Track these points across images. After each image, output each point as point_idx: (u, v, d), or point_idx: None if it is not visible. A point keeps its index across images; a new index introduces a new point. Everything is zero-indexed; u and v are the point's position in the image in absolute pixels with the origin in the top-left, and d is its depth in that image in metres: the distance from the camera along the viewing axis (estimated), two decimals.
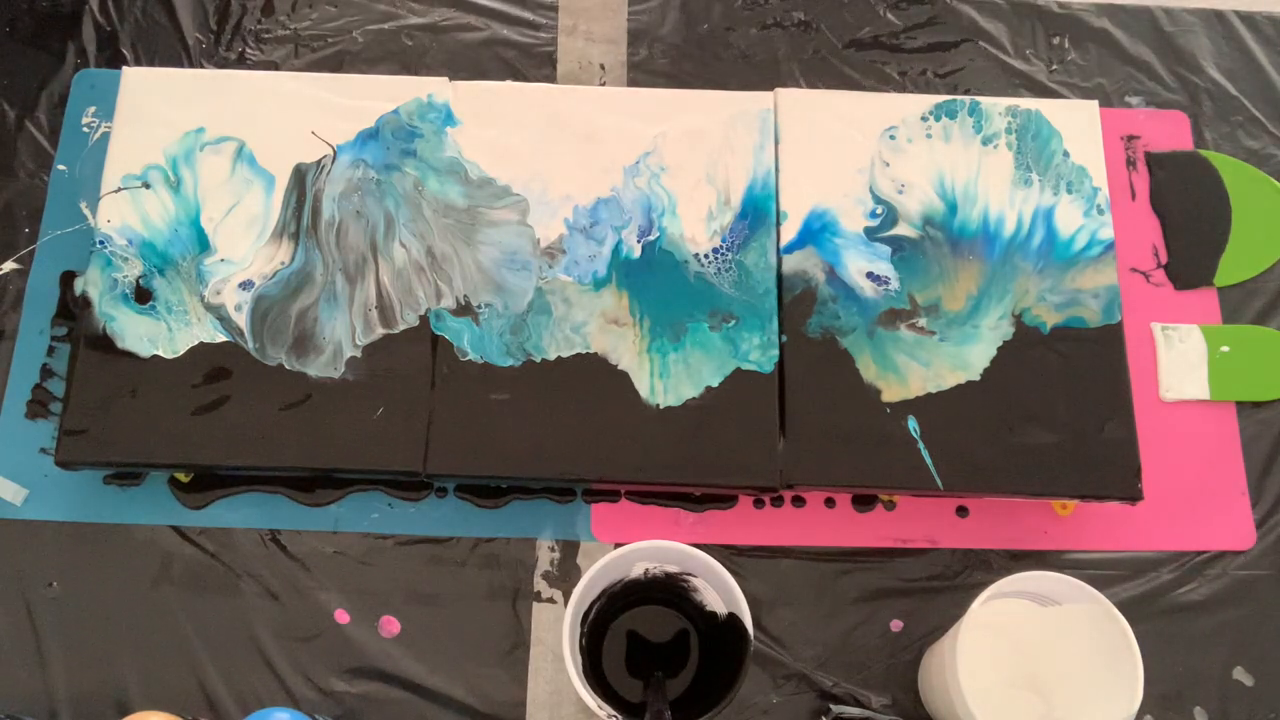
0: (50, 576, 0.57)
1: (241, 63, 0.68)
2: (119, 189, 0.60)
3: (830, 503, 0.60)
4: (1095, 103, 0.64)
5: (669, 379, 0.57)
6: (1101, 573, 0.58)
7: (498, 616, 0.57)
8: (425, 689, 0.56)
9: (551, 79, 0.69)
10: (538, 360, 0.57)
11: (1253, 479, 0.61)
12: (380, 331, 0.58)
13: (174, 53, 0.68)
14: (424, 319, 0.58)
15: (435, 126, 0.62)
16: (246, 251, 0.59)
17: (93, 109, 0.67)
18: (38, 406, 0.60)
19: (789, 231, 0.60)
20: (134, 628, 0.56)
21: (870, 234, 0.60)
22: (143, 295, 0.58)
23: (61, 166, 0.65)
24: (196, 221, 0.60)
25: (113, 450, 0.56)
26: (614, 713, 0.46)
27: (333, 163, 0.61)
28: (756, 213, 0.60)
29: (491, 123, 0.62)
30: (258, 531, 0.58)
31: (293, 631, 0.56)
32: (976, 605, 0.49)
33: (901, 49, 0.70)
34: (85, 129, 0.66)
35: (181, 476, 0.59)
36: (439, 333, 0.58)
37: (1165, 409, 0.62)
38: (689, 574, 0.52)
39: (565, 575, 0.58)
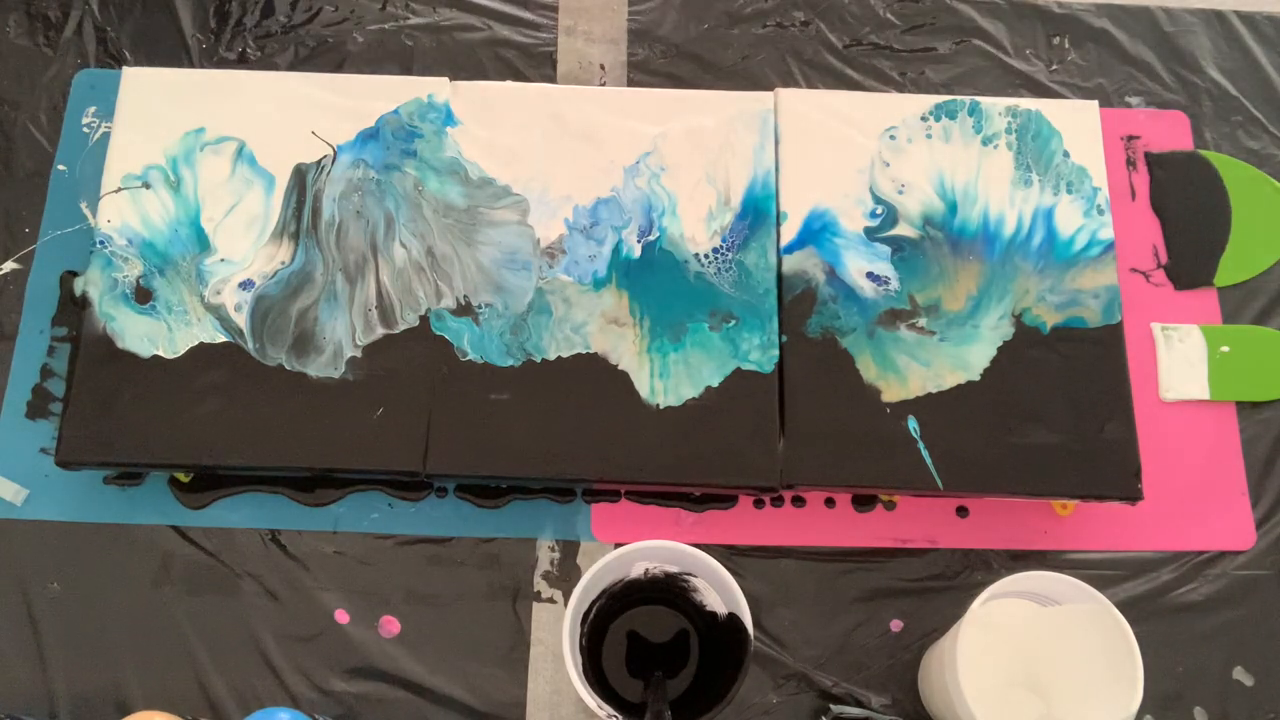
0: (50, 576, 0.57)
1: (241, 63, 0.68)
2: (119, 189, 0.60)
3: (830, 503, 0.60)
4: (1095, 103, 0.63)
5: (669, 379, 0.57)
6: (1101, 573, 0.58)
7: (498, 616, 0.57)
8: (425, 689, 0.56)
9: (551, 79, 0.69)
10: (538, 360, 0.57)
11: (1253, 479, 0.61)
12: (380, 331, 0.58)
13: (174, 53, 0.68)
14: (424, 319, 0.58)
15: (435, 126, 0.62)
16: (247, 251, 0.59)
17: (93, 109, 0.67)
18: (38, 406, 0.60)
19: (789, 231, 0.60)
20: (134, 628, 0.56)
21: (870, 234, 0.60)
22: (143, 295, 0.58)
23: (61, 166, 0.65)
24: (196, 221, 0.60)
25: (113, 450, 0.56)
26: (614, 713, 0.46)
27: (333, 163, 0.61)
28: (756, 213, 0.60)
29: (491, 123, 0.62)
30: (258, 531, 0.58)
31: (293, 631, 0.56)
32: (976, 605, 0.49)
33: (901, 49, 0.70)
34: (85, 129, 0.66)
35: (181, 476, 0.59)
36: (439, 333, 0.58)
37: (1165, 409, 0.62)
38: (689, 574, 0.52)
39: (565, 575, 0.58)
